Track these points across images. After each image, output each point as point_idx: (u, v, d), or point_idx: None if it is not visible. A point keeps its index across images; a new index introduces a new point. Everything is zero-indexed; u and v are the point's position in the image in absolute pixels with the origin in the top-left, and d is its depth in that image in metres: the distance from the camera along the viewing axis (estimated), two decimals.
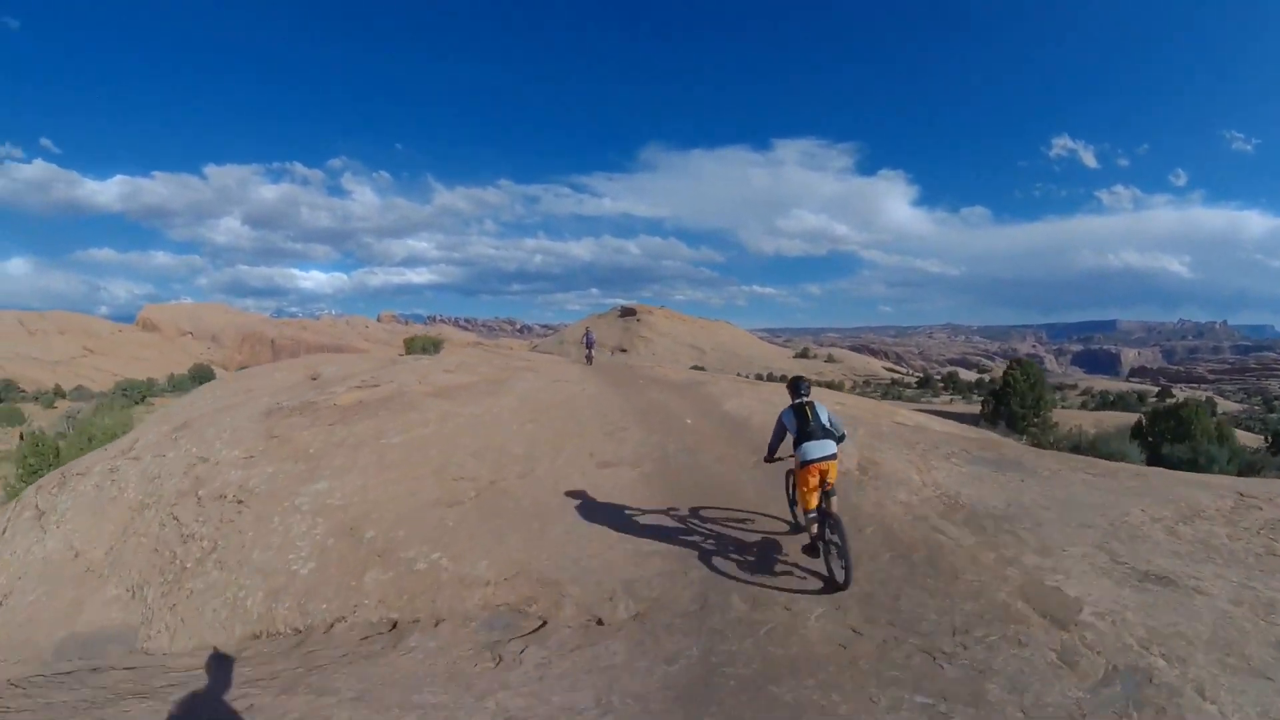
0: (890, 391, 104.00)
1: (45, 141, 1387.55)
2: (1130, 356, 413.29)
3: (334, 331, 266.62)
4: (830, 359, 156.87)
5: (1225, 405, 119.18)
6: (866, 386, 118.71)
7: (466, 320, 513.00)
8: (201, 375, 65.67)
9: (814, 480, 7.90)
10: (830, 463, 7.89)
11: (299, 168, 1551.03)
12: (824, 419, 8.09)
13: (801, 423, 8.07)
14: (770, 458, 8.86)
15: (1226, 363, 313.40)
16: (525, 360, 26.16)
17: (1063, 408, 66.61)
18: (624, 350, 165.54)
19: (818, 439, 7.93)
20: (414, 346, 31.38)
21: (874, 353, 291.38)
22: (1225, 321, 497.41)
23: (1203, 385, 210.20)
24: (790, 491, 9.46)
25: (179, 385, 63.60)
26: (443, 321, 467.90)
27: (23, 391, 70.81)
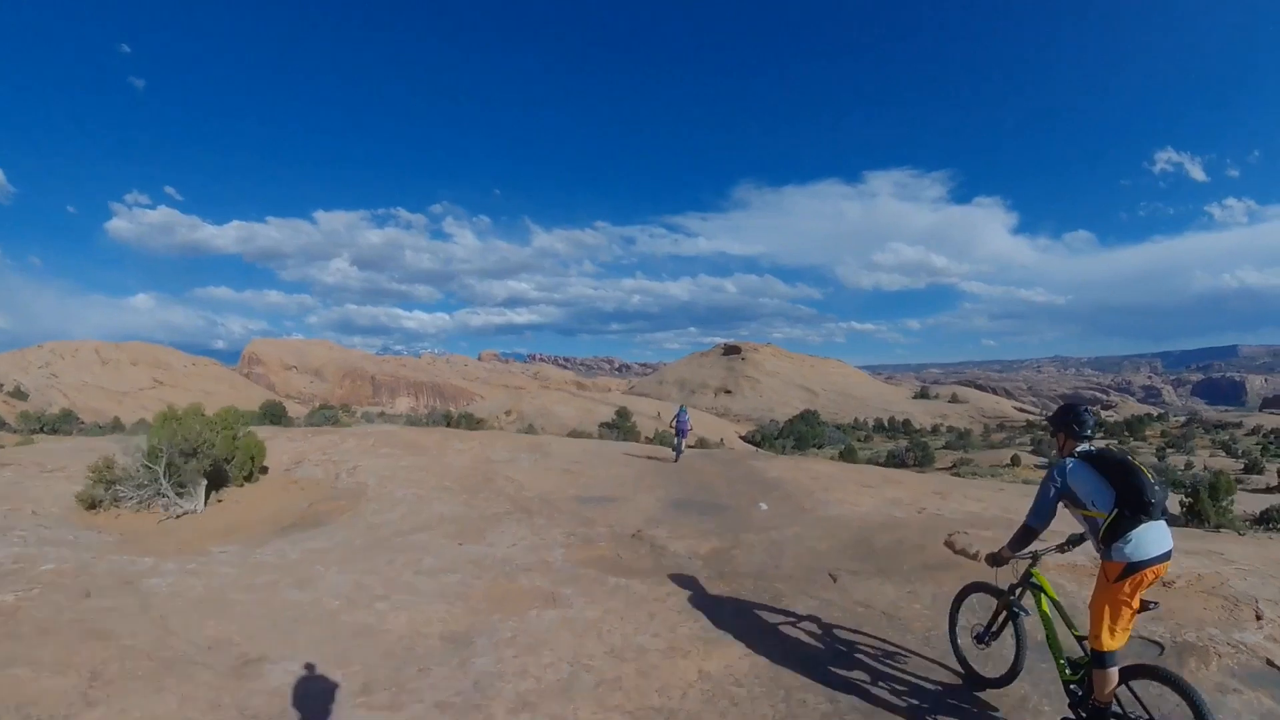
0: (1034, 439, 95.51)
1: (169, 189, 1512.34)
2: (1257, 384, 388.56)
3: (433, 369, 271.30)
4: (955, 399, 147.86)
5: None
6: (999, 430, 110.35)
7: (565, 359, 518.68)
8: (273, 413, 62.57)
9: (1134, 600, 4.55)
10: (1164, 566, 4.53)
11: (403, 213, 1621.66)
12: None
13: (1120, 483, 4.59)
14: (1017, 551, 5.27)
15: None
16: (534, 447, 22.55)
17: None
18: (729, 392, 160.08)
19: (1153, 518, 4.51)
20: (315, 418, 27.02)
21: (981, 388, 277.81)
22: None
23: None
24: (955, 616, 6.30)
25: (246, 423, 60.29)
26: (542, 359, 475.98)
27: (81, 423, 69.22)
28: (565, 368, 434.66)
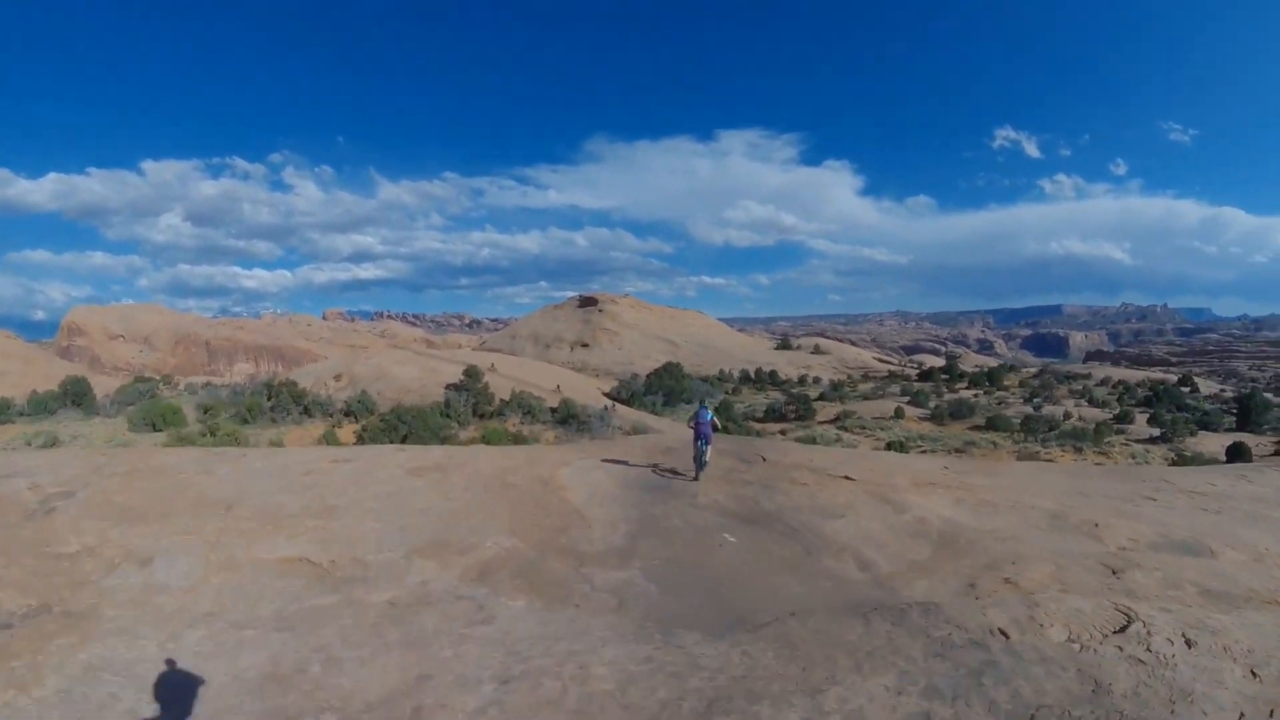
0: (904, 389, 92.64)
1: None
2: (1078, 340, 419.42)
3: (273, 331, 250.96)
4: (818, 350, 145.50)
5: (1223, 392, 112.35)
6: (865, 382, 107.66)
7: (415, 316, 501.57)
8: (75, 392, 50.54)
9: None
10: None
11: (240, 162, 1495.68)
12: None
13: None
14: None
15: (1179, 345, 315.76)
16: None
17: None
18: (586, 345, 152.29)
19: None
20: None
21: (828, 340, 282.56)
22: (1166, 304, 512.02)
23: (1171, 368, 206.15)
24: None
25: (40, 406, 48.91)
26: (390, 317, 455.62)
27: None
28: (415, 325, 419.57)
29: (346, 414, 49.66)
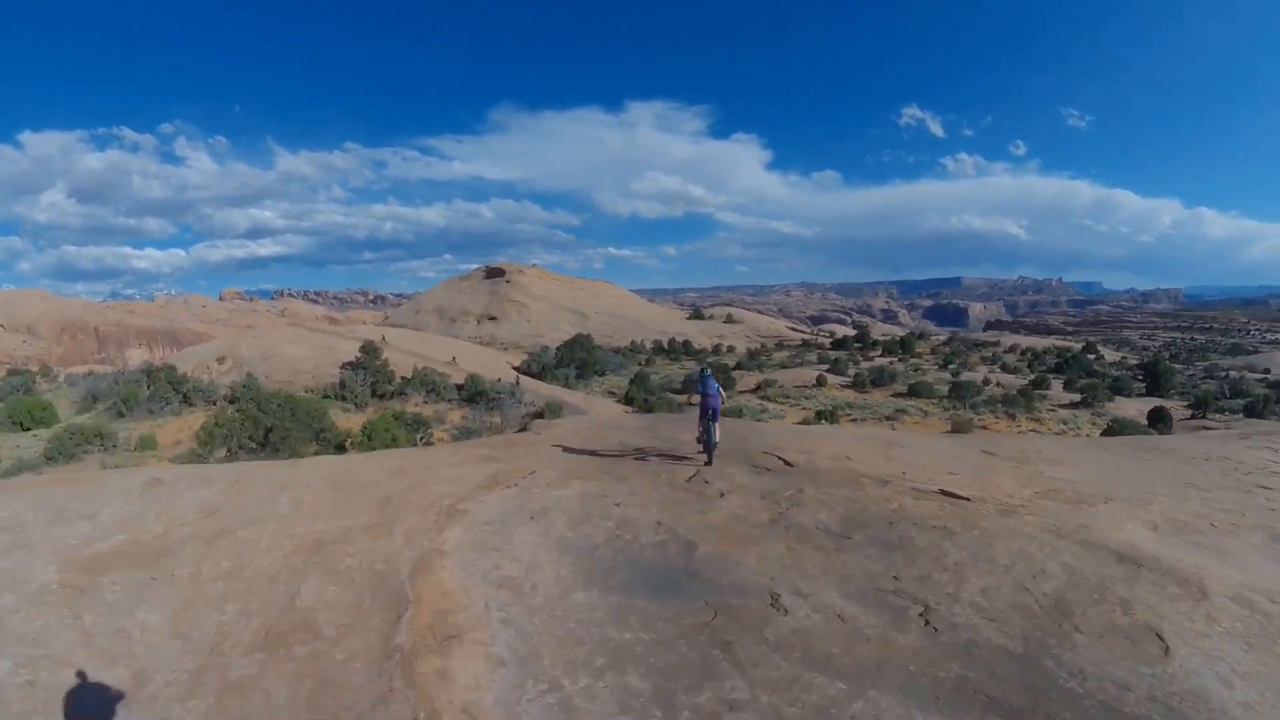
0: (822, 357, 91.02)
1: None
2: (977, 310, 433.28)
3: (166, 314, 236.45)
4: (730, 319, 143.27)
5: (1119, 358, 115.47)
6: (779, 350, 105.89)
7: (316, 293, 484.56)
8: None
9: None
10: None
11: (128, 132, 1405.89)
12: None
13: None
14: None
15: (1073, 315, 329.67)
16: None
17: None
18: (494, 318, 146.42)
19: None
20: None
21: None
22: (1060, 279, 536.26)
23: (1067, 337, 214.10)
24: None
25: None
26: (291, 295, 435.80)
27: None
28: (316, 303, 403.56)
29: (231, 400, 44.19)
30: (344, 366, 48.59)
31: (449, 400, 42.94)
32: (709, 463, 12.44)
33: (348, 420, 36.44)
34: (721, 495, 10.63)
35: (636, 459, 13.05)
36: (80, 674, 6.09)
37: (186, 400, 44.24)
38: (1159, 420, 45.25)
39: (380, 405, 41.40)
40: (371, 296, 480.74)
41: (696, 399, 13.60)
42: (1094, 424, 46.67)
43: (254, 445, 28.61)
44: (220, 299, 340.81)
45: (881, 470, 12.18)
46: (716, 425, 12.64)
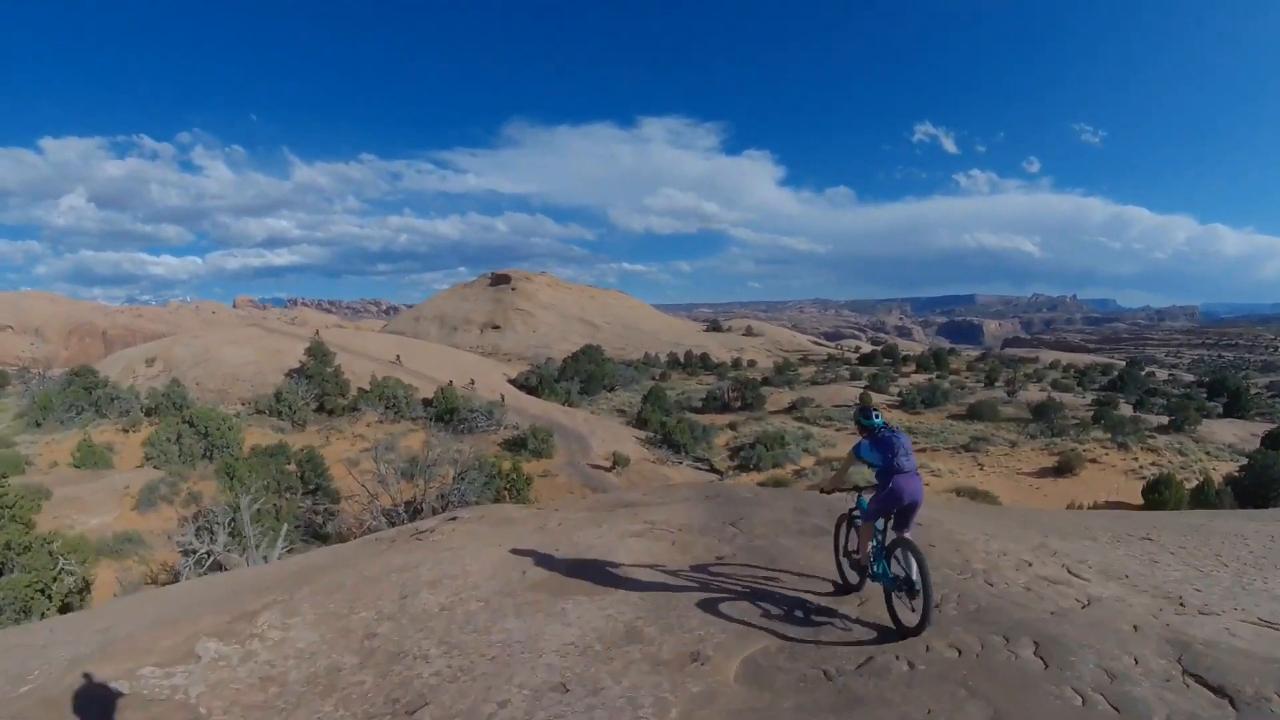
0: (854, 373, 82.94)
1: None
2: (992, 328, 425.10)
3: (177, 320, 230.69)
4: (750, 332, 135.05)
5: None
6: (805, 365, 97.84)
7: (330, 303, 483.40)
8: None
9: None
10: None
11: (147, 140, 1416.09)
12: None
13: None
14: None
15: (1091, 332, 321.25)
16: None
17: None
18: (497, 327, 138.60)
19: None
20: None
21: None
22: (1075, 295, 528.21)
23: (1089, 354, 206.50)
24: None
25: None
26: (304, 305, 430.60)
27: None
28: (329, 311, 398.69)
29: (148, 413, 36.44)
30: (289, 374, 40.20)
31: (412, 418, 34.86)
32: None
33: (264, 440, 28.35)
34: None
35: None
36: None
37: (99, 410, 36.57)
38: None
39: (326, 424, 33.46)
40: (384, 307, 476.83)
41: (857, 467, 5.75)
42: (1207, 453, 38.58)
43: None
44: (234, 306, 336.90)
45: None
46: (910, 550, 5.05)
